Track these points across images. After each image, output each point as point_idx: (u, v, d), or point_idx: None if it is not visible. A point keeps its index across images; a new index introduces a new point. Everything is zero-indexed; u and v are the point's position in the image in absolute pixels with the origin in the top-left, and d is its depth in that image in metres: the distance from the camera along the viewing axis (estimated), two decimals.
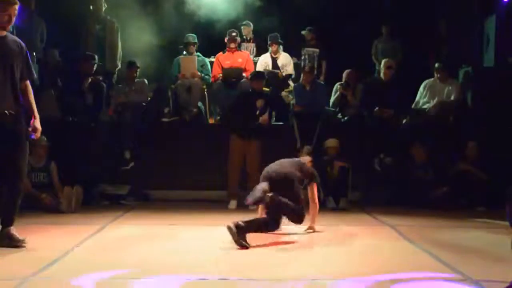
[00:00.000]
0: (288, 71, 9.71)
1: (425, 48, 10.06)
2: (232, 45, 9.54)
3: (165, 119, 9.05)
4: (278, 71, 9.60)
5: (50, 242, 5.12)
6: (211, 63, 9.70)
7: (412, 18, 10.18)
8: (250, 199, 5.13)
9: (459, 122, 8.70)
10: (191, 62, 9.39)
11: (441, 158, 8.10)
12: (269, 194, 5.14)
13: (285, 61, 9.72)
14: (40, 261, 4.32)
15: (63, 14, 9.47)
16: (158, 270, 4.12)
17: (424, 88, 9.12)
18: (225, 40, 9.59)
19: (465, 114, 8.83)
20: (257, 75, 8.28)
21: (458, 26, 9.84)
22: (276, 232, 5.41)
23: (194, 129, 8.80)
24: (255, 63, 9.72)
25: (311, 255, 4.73)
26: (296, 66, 9.80)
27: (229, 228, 4.88)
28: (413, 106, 9.10)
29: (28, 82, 4.95)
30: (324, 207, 6.89)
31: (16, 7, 4.75)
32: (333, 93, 9.28)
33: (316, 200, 5.71)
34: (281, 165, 5.56)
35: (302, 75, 8.99)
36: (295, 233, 5.58)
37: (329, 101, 9.16)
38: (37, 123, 4.91)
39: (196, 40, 9.55)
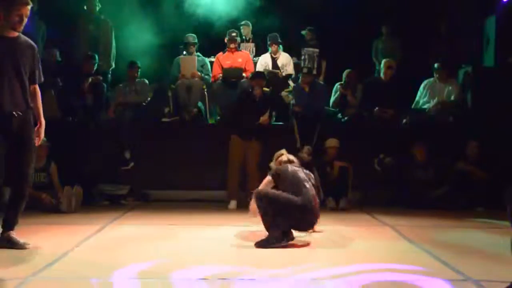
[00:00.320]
0: (288, 71, 9.71)
1: (425, 48, 10.06)
2: (232, 45, 9.54)
3: (165, 119, 9.05)
4: (278, 71, 9.60)
5: (50, 242, 5.11)
6: (211, 63, 9.70)
7: (412, 18, 10.17)
8: None
9: (459, 122, 8.70)
10: (191, 62, 9.39)
11: (441, 158, 8.10)
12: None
13: (285, 61, 9.72)
14: (40, 261, 4.32)
15: (58, 14, 9.49)
16: (157, 270, 4.12)
17: (424, 88, 9.12)
18: (225, 40, 9.59)
19: (465, 114, 8.83)
20: (257, 75, 8.28)
21: (458, 26, 9.84)
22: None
23: (194, 129, 8.80)
24: (255, 63, 9.72)
25: (311, 255, 4.72)
26: (296, 66, 9.80)
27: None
28: (413, 106, 9.10)
29: (37, 86, 4.89)
30: (324, 207, 6.89)
31: (29, 7, 4.64)
32: (333, 93, 9.28)
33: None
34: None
35: (300, 77, 9.00)
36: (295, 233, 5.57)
37: (329, 101, 9.16)
38: (42, 130, 4.87)
39: (196, 40, 9.55)
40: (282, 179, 5.19)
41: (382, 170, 8.18)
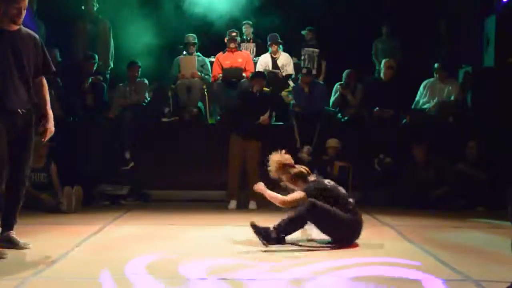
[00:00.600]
0: (288, 71, 9.71)
1: (425, 48, 10.06)
2: (232, 45, 9.54)
3: (165, 119, 9.05)
4: (278, 71, 9.60)
5: (50, 242, 5.12)
6: (211, 63, 9.70)
7: (412, 18, 10.17)
8: None
9: (459, 122, 8.70)
10: (191, 62, 9.40)
11: (441, 158, 8.10)
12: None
13: (285, 61, 9.72)
14: (40, 261, 4.32)
15: (57, 14, 9.49)
16: (157, 270, 4.12)
17: (424, 88, 9.13)
18: (225, 40, 9.60)
19: (465, 114, 8.83)
20: (257, 75, 8.28)
21: (458, 26, 9.85)
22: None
23: (194, 129, 8.80)
24: (255, 63, 9.72)
25: (311, 255, 4.72)
26: (296, 66, 9.80)
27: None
28: (413, 106, 9.11)
29: (43, 78, 4.78)
30: None
31: (27, 0, 4.55)
32: (333, 93, 9.28)
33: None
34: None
35: (300, 77, 9.01)
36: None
37: (329, 101, 9.17)
38: (50, 124, 4.77)
39: (196, 40, 9.55)
40: (322, 196, 5.01)
41: (382, 170, 8.19)
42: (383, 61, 9.19)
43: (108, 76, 9.70)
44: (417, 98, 9.13)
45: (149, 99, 9.10)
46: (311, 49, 9.97)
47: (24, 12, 4.57)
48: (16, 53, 4.56)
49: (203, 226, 6.22)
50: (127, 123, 8.55)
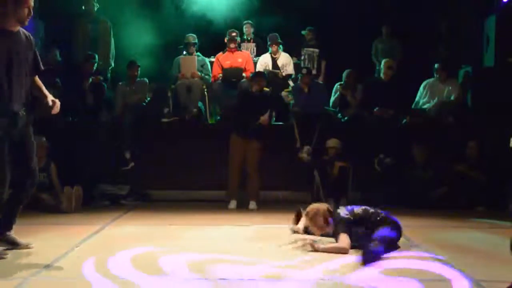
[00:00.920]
0: (288, 71, 9.71)
1: (425, 48, 10.06)
2: (232, 45, 9.54)
3: (164, 120, 9.04)
4: (278, 71, 9.60)
5: (50, 242, 5.12)
6: (211, 63, 9.71)
7: (412, 18, 10.18)
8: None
9: (459, 122, 8.70)
10: (191, 62, 9.40)
11: (441, 158, 8.10)
12: None
13: (285, 61, 9.72)
14: (40, 261, 4.32)
15: (58, 14, 9.49)
16: (157, 271, 4.12)
17: (424, 88, 9.13)
18: (225, 40, 9.60)
19: (465, 114, 8.83)
20: (258, 75, 8.28)
21: (458, 26, 9.85)
22: (275, 233, 5.42)
23: (194, 129, 8.80)
24: (255, 63, 9.72)
25: (311, 255, 4.72)
26: (296, 66, 9.80)
27: None
28: (413, 106, 9.10)
29: (37, 77, 4.81)
30: None
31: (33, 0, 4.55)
32: (333, 93, 9.28)
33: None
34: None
35: (299, 77, 9.01)
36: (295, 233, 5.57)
37: (328, 101, 9.17)
38: (51, 98, 4.77)
39: (196, 40, 9.56)
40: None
41: (382, 170, 8.19)
42: (383, 61, 9.18)
43: (109, 75, 9.71)
44: (417, 98, 9.13)
45: (149, 98, 9.11)
46: (311, 49, 9.98)
47: (32, 12, 4.57)
48: (18, 54, 4.55)
49: (203, 226, 6.22)
50: (127, 123, 8.55)
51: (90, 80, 8.88)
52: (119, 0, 9.94)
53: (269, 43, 9.67)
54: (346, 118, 8.89)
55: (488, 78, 8.87)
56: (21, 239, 4.80)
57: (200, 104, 9.25)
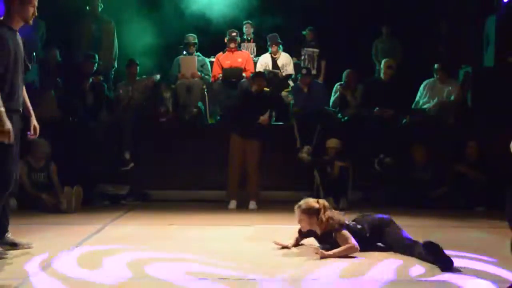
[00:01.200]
0: (288, 71, 9.71)
1: (425, 48, 10.06)
2: (232, 45, 9.54)
3: (163, 119, 9.01)
4: (278, 71, 9.60)
5: (50, 242, 5.11)
6: (211, 63, 9.71)
7: (412, 18, 10.18)
8: None
9: (459, 122, 8.70)
10: (191, 62, 9.40)
11: (440, 158, 8.10)
12: None
13: (285, 61, 9.73)
14: (40, 261, 4.32)
15: (60, 15, 9.48)
16: (158, 270, 4.12)
17: (424, 88, 9.13)
18: (225, 40, 9.60)
19: (465, 114, 8.83)
20: (258, 75, 8.29)
21: (458, 26, 9.85)
22: (276, 233, 5.41)
23: (194, 129, 8.80)
24: (255, 63, 9.72)
25: (311, 255, 4.72)
26: (296, 66, 9.80)
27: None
28: (413, 106, 9.11)
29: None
30: None
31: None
32: (333, 93, 9.28)
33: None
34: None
35: (299, 77, 9.01)
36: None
37: (328, 101, 9.17)
38: (35, 121, 4.76)
39: (196, 40, 9.56)
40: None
41: (382, 170, 8.19)
42: (383, 61, 9.18)
43: (112, 76, 9.69)
44: (417, 98, 9.13)
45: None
46: (311, 49, 9.98)
47: (36, 12, 4.58)
48: (17, 54, 4.55)
49: (203, 226, 6.21)
50: (126, 124, 8.54)
51: (90, 80, 8.88)
52: (120, 0, 9.94)
53: (269, 43, 9.67)
54: (346, 118, 8.89)
55: (488, 78, 8.88)
56: (21, 239, 4.79)
57: (200, 104, 9.25)
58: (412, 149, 8.09)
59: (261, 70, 9.31)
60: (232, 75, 9.44)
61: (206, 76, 9.48)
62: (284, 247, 4.90)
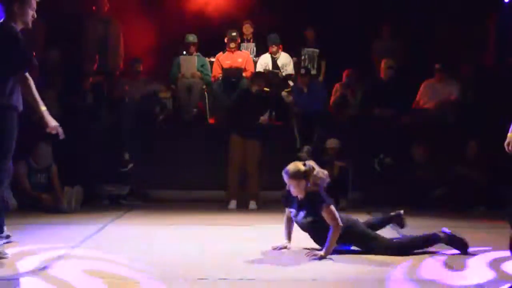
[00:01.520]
0: (288, 71, 9.71)
1: (426, 48, 10.06)
2: (232, 45, 9.54)
3: (162, 119, 9.01)
4: (278, 71, 9.60)
5: (50, 242, 5.11)
6: (211, 63, 9.70)
7: (412, 18, 10.17)
8: None
9: (459, 122, 8.71)
10: (191, 62, 9.40)
11: (441, 158, 8.10)
12: None
13: (285, 61, 9.73)
14: (40, 261, 4.32)
15: (65, 14, 9.47)
16: (158, 270, 4.12)
17: (424, 88, 9.12)
18: (225, 40, 9.60)
19: (465, 114, 8.83)
20: (258, 75, 8.28)
21: (458, 26, 9.85)
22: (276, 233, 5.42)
23: (194, 129, 8.80)
24: (255, 63, 9.72)
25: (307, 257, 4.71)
26: (296, 66, 9.80)
27: None
28: (413, 106, 9.10)
29: None
30: None
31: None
32: (333, 93, 9.28)
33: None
34: None
35: (298, 77, 9.01)
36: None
37: (328, 101, 9.16)
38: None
39: (196, 40, 9.55)
40: None
41: (382, 170, 8.19)
42: (383, 61, 9.19)
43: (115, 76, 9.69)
44: (417, 98, 9.13)
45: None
46: (311, 49, 9.98)
47: (35, 15, 4.63)
48: None
49: (203, 226, 6.21)
50: (126, 124, 8.54)
51: (91, 79, 8.87)
52: (123, 0, 9.94)
53: (269, 43, 9.67)
54: (346, 118, 8.89)
55: (488, 78, 8.88)
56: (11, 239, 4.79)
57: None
58: (412, 149, 8.09)
59: (261, 70, 9.31)
60: (232, 75, 9.43)
61: (206, 76, 9.48)
62: (282, 248, 4.89)
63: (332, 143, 7.91)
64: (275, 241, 5.06)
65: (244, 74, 9.43)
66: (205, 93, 9.45)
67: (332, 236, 4.51)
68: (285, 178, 4.79)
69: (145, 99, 8.94)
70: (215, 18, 9.96)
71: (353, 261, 4.48)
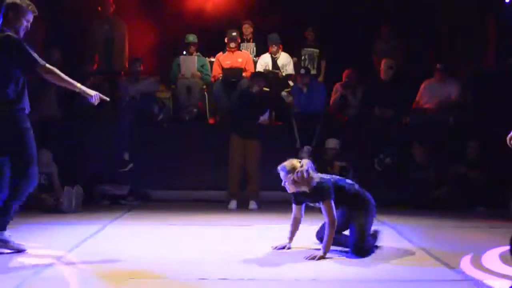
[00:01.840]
0: (288, 71, 9.71)
1: (425, 48, 10.06)
2: (232, 45, 9.53)
3: (162, 119, 9.00)
4: (278, 71, 9.60)
5: (50, 242, 5.11)
6: (211, 63, 9.70)
7: (412, 18, 10.17)
8: None
9: (459, 122, 8.71)
10: (191, 62, 9.40)
11: (441, 158, 8.11)
12: None
13: (285, 61, 9.72)
14: (40, 261, 4.32)
15: (70, 14, 9.46)
16: (158, 270, 4.12)
17: (424, 88, 9.12)
18: (225, 40, 9.60)
19: (465, 114, 8.83)
20: (258, 75, 8.28)
21: (458, 26, 9.85)
22: (276, 233, 5.42)
23: (194, 129, 8.80)
24: (255, 63, 9.72)
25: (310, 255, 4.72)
26: (296, 66, 9.80)
27: None
28: (413, 106, 9.11)
29: None
30: None
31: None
32: (333, 93, 9.28)
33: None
34: None
35: (298, 77, 9.01)
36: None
37: (328, 101, 9.17)
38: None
39: (196, 40, 9.55)
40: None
41: (382, 170, 8.19)
42: (383, 61, 9.18)
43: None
44: (417, 98, 9.12)
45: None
46: (311, 49, 9.98)
47: (29, 27, 4.73)
48: None
49: (203, 226, 6.22)
50: (125, 124, 8.53)
51: (90, 80, 8.86)
52: (123, 0, 9.93)
53: (269, 43, 9.67)
54: (346, 118, 8.89)
55: (488, 78, 8.88)
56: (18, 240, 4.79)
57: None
58: (413, 149, 8.09)
59: (261, 70, 9.31)
60: (232, 75, 9.42)
61: (206, 76, 9.48)
62: (283, 248, 4.89)
63: (332, 143, 7.91)
64: (275, 241, 5.06)
65: (244, 74, 9.43)
66: (205, 93, 9.44)
67: (328, 234, 4.56)
68: (282, 174, 4.87)
69: (145, 99, 8.93)
70: (215, 18, 9.96)
71: (353, 261, 4.48)
